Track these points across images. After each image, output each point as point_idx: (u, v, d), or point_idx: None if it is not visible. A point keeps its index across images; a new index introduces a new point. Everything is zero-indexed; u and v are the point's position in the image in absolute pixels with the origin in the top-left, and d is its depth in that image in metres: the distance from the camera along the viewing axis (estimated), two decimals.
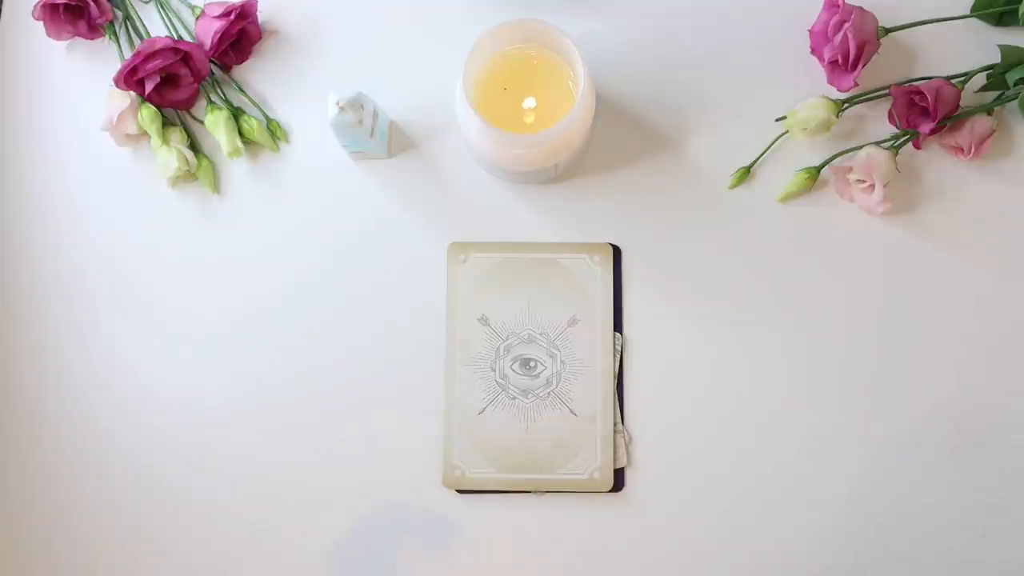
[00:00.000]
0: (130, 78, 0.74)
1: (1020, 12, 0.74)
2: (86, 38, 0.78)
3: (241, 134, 0.77)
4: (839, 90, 0.74)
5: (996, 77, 0.74)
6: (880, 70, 0.75)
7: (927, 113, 0.72)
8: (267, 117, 0.78)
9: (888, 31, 0.74)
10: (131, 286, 0.77)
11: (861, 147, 0.73)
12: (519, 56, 0.71)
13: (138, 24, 0.78)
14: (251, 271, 0.77)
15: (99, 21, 0.77)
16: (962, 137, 0.73)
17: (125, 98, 0.75)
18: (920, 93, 0.72)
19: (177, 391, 0.76)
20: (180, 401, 0.75)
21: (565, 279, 0.75)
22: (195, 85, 0.76)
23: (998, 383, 0.74)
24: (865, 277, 0.75)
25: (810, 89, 0.75)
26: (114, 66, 0.76)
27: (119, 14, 0.79)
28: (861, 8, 0.72)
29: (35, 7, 0.76)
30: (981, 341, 0.74)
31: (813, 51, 0.75)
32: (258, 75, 0.79)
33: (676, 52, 0.78)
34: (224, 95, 0.78)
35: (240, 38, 0.77)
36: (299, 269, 0.76)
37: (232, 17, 0.75)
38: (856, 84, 0.73)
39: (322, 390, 0.75)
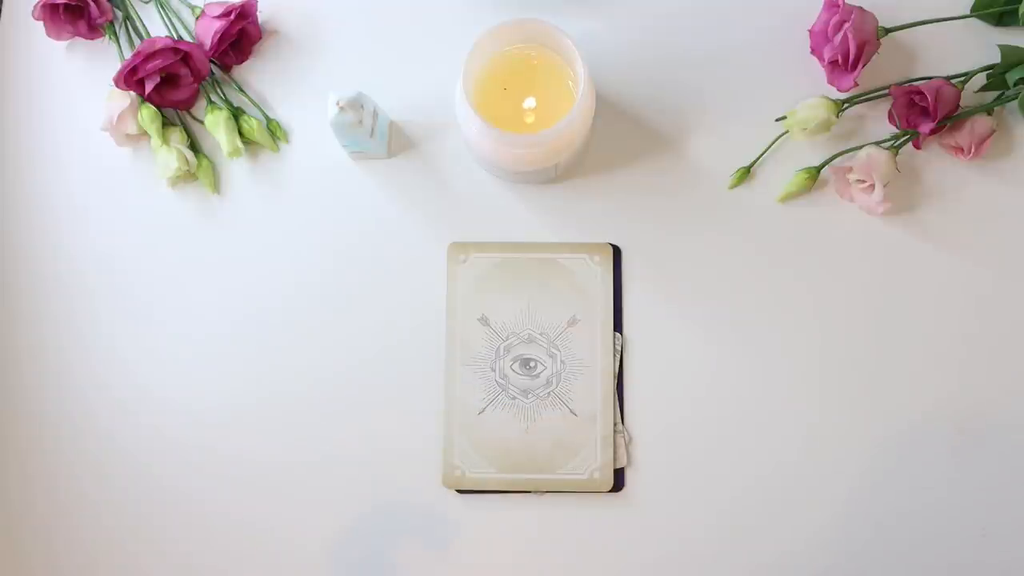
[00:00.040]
0: (130, 78, 0.74)
1: (1020, 12, 0.74)
2: (86, 38, 0.78)
3: (241, 134, 0.77)
4: (839, 90, 0.74)
5: (996, 77, 0.74)
6: (880, 70, 0.75)
7: (927, 113, 0.72)
8: (267, 117, 0.78)
9: (888, 31, 0.74)
10: (131, 286, 0.77)
11: (861, 147, 0.73)
12: (519, 56, 0.71)
13: (138, 24, 0.78)
14: (251, 271, 0.77)
15: (99, 21, 0.77)
16: (962, 137, 0.73)
17: (125, 98, 0.75)
18: (920, 93, 0.72)
19: (177, 391, 0.76)
20: (180, 401, 0.75)
21: (565, 279, 0.75)
22: (195, 85, 0.76)
23: (998, 383, 0.74)
24: (865, 277, 0.75)
25: (810, 89, 0.75)
26: (114, 66, 0.76)
27: (119, 14, 0.79)
28: (861, 8, 0.72)
29: (35, 7, 0.76)
30: (981, 341, 0.74)
31: (813, 51, 0.75)
32: (258, 75, 0.79)
33: (676, 52, 0.78)
34: (224, 95, 0.78)
35: (240, 38, 0.77)
36: (299, 269, 0.76)
37: (232, 17, 0.75)
38: (856, 84, 0.73)
39: (322, 390, 0.75)
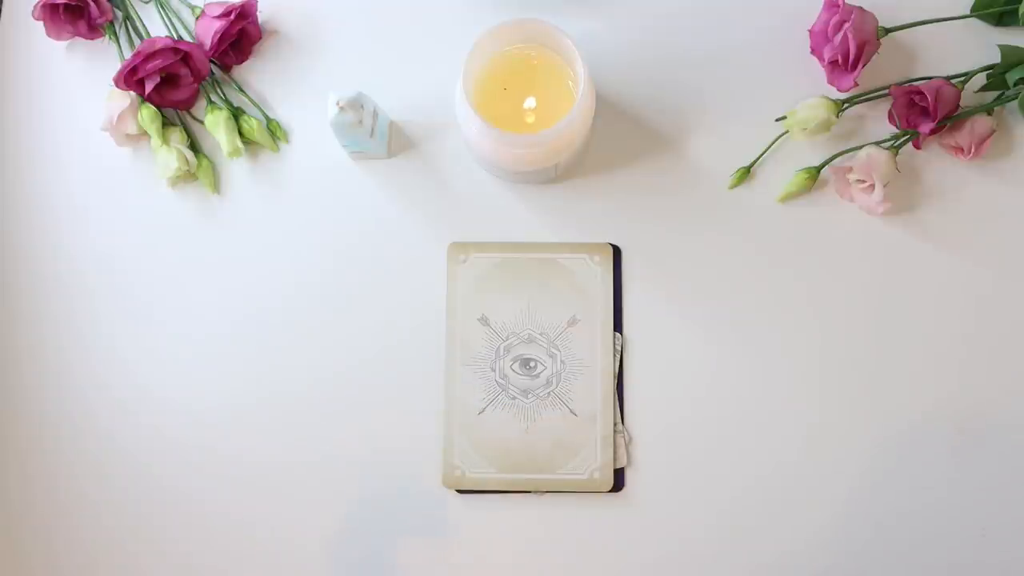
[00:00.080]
0: (130, 78, 0.74)
1: (1020, 12, 0.74)
2: (86, 38, 0.78)
3: (241, 134, 0.77)
4: (839, 90, 0.74)
5: (996, 77, 0.74)
6: (880, 70, 0.75)
7: (927, 113, 0.72)
8: (267, 117, 0.78)
9: (888, 31, 0.74)
10: (131, 286, 0.77)
11: (861, 147, 0.73)
12: (519, 56, 0.71)
13: (138, 24, 0.78)
14: (251, 271, 0.77)
15: (99, 21, 0.77)
16: (962, 137, 0.73)
17: (125, 98, 0.75)
18: (920, 93, 0.72)
19: (177, 391, 0.76)
20: (180, 401, 0.75)
21: (565, 279, 0.75)
22: (195, 85, 0.76)
23: (998, 383, 0.74)
24: (865, 277, 0.75)
25: (810, 89, 0.75)
26: (114, 66, 0.76)
27: (119, 14, 0.79)
28: (861, 8, 0.72)
29: (35, 7, 0.76)
30: (981, 341, 0.74)
31: (813, 51, 0.75)
32: (258, 75, 0.79)
33: (676, 52, 0.78)
34: (224, 95, 0.78)
35: (240, 38, 0.77)
36: (299, 269, 0.76)
37: (232, 17, 0.75)
38: (856, 84, 0.73)
39: (322, 390, 0.75)
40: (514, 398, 0.74)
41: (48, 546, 0.74)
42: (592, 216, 0.76)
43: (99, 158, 0.78)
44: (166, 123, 0.77)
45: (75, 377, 0.76)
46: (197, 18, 0.77)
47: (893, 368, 0.74)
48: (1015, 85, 0.73)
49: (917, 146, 0.75)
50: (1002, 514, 0.73)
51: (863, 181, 0.73)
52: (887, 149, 0.73)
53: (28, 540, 0.74)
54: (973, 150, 0.73)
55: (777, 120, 0.76)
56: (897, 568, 0.73)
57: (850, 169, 0.73)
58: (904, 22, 0.74)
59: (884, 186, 0.72)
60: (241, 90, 0.78)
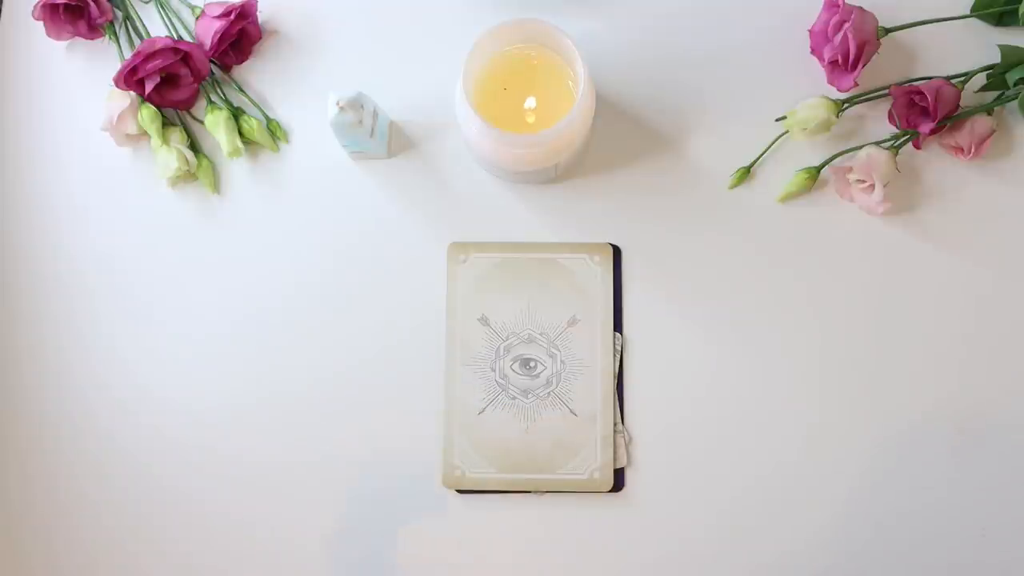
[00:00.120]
0: (130, 78, 0.74)
1: (1020, 12, 0.74)
2: (86, 38, 0.78)
3: (241, 134, 0.77)
4: (839, 90, 0.74)
5: (996, 77, 0.74)
6: (880, 70, 0.75)
7: (927, 113, 0.72)
8: (267, 117, 0.78)
9: (888, 31, 0.74)
10: (131, 286, 0.77)
11: (861, 147, 0.73)
12: (519, 56, 0.71)
13: (138, 24, 0.78)
14: (251, 271, 0.77)
15: (99, 21, 0.77)
16: (962, 137, 0.73)
17: (125, 98, 0.75)
18: (920, 93, 0.72)
19: (177, 391, 0.76)
20: (180, 401, 0.75)
21: (565, 279, 0.75)
22: (195, 85, 0.76)
23: (998, 383, 0.74)
24: (865, 277, 0.75)
25: (810, 89, 0.75)
26: (114, 66, 0.76)
27: (119, 14, 0.79)
28: (861, 8, 0.72)
29: (35, 7, 0.76)
30: (981, 341, 0.74)
31: (813, 51, 0.75)
32: (258, 75, 0.79)
33: (676, 52, 0.78)
34: (224, 95, 0.78)
35: (240, 38, 0.77)
36: (299, 269, 0.76)
37: (232, 17, 0.75)
38: (856, 84, 0.73)
39: (322, 390, 0.75)
40: (514, 398, 0.74)
41: (48, 546, 0.74)
42: (592, 216, 0.76)
43: (99, 158, 0.78)
44: (166, 123, 0.77)
45: (75, 377, 0.76)
46: (197, 18, 0.77)
47: (893, 368, 0.74)
48: (1015, 85, 0.73)
49: (917, 146, 0.75)
50: (1002, 514, 0.73)
51: (863, 181, 0.73)
52: (887, 149, 0.73)
53: (28, 540, 0.75)
54: (973, 150, 0.73)
55: (777, 120, 0.76)
56: (897, 568, 0.73)
57: (850, 169, 0.73)
58: (904, 22, 0.74)
59: (884, 186, 0.72)
60: (241, 90, 0.78)
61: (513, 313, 0.75)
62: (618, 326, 0.75)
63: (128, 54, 0.78)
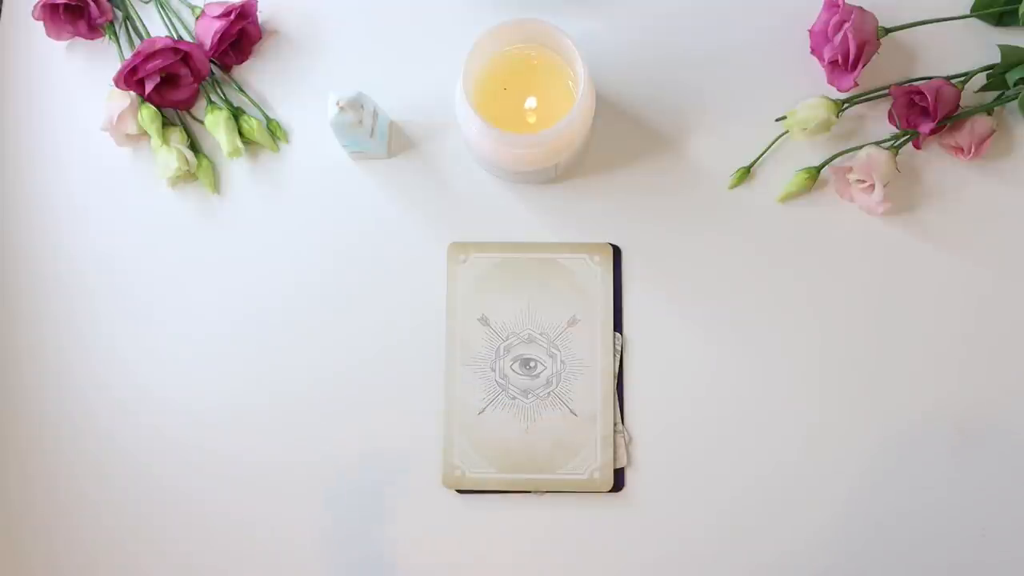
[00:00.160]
0: (130, 78, 0.74)
1: (1020, 12, 0.74)
2: (86, 38, 0.78)
3: (241, 134, 0.77)
4: (839, 90, 0.74)
5: (996, 77, 0.74)
6: (880, 70, 0.75)
7: (927, 113, 0.72)
8: (267, 117, 0.78)
9: (888, 31, 0.74)
10: (131, 286, 0.77)
11: (861, 147, 0.73)
12: (519, 56, 0.71)
13: (138, 24, 0.78)
14: (251, 271, 0.77)
15: (99, 21, 0.77)
16: (962, 137, 0.73)
17: (125, 98, 0.75)
18: (920, 93, 0.72)
19: (177, 391, 0.76)
20: (180, 401, 0.75)
21: (565, 279, 0.75)
22: (195, 85, 0.76)
23: (998, 383, 0.74)
24: (865, 277, 0.75)
25: (810, 89, 0.75)
26: (114, 66, 0.76)
27: (119, 14, 0.79)
28: (861, 8, 0.72)
29: (35, 7, 0.76)
30: (981, 341, 0.74)
31: (813, 51, 0.75)
32: (258, 75, 0.79)
33: (676, 52, 0.78)
34: (224, 95, 0.78)
35: (240, 38, 0.77)
36: (299, 269, 0.76)
37: (232, 17, 0.75)
38: (856, 84, 0.73)
39: (322, 390, 0.75)
40: (514, 398, 0.74)
41: (48, 546, 0.74)
42: (592, 216, 0.76)
43: (99, 158, 0.78)
44: (166, 123, 0.77)
45: (75, 377, 0.76)
46: (197, 18, 0.77)
47: (893, 368, 0.74)
48: (1015, 85, 0.73)
49: (917, 146, 0.75)
50: (1002, 514, 0.73)
51: (863, 181, 0.73)
52: (887, 149, 0.73)
53: (28, 540, 0.74)
54: (973, 150, 0.73)
55: (777, 120, 0.76)
56: (897, 568, 0.73)
57: (850, 169, 0.73)
58: (904, 22, 0.74)
59: (884, 186, 0.72)
60: (241, 90, 0.78)
61: (513, 313, 0.75)
62: (618, 326, 0.75)
63: (128, 54, 0.78)
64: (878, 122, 0.76)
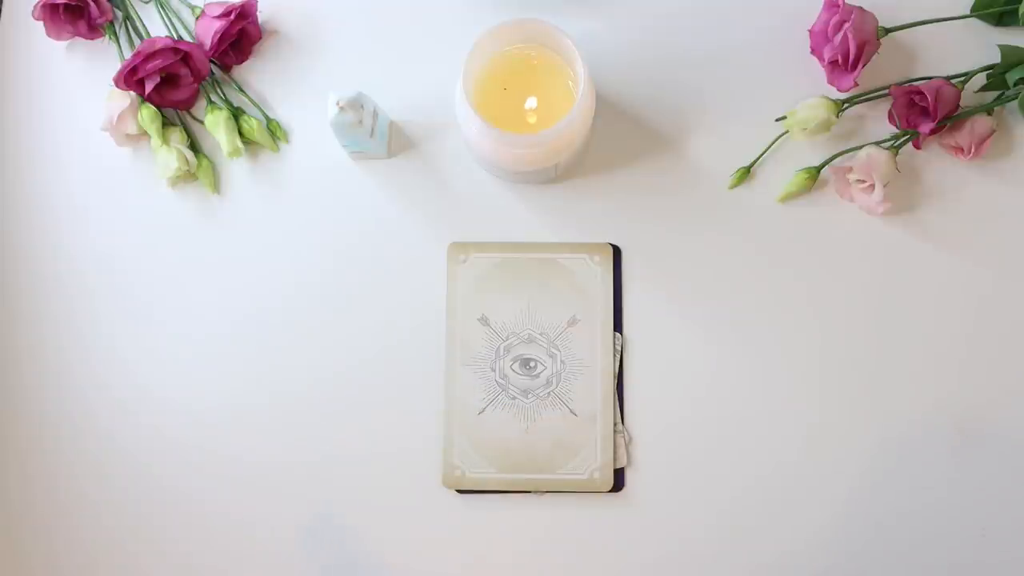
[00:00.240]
0: (130, 78, 0.74)
1: (1020, 12, 0.74)
2: (86, 38, 0.78)
3: (241, 134, 0.77)
4: (839, 90, 0.74)
5: (996, 77, 0.74)
6: (880, 70, 0.75)
7: (927, 113, 0.72)
8: (267, 117, 0.78)
9: (888, 31, 0.74)
10: (131, 286, 0.77)
11: (861, 147, 0.73)
12: (519, 56, 0.71)
13: (138, 24, 0.78)
14: (251, 271, 0.77)
15: (99, 21, 0.77)
16: (962, 137, 0.73)
17: (125, 98, 0.75)
18: (920, 93, 0.72)
19: (177, 391, 0.76)
20: (180, 401, 0.75)
21: (565, 279, 0.75)
22: (195, 85, 0.76)
23: (998, 383, 0.74)
24: (865, 277, 0.75)
25: (810, 89, 0.75)
26: (114, 66, 0.76)
27: (119, 14, 0.79)
28: (861, 8, 0.72)
29: (35, 7, 0.76)
30: (981, 341, 0.74)
31: (813, 51, 0.75)
32: (258, 75, 0.79)
33: (676, 52, 0.78)
34: (224, 95, 0.78)
35: (240, 38, 0.77)
36: (299, 269, 0.76)
37: (232, 17, 0.75)
38: (856, 84, 0.73)
39: (322, 390, 0.75)
40: (514, 398, 0.74)
41: (48, 546, 0.74)
42: (592, 216, 0.76)
43: (99, 158, 0.78)
44: (166, 123, 0.77)
45: (75, 377, 0.76)
46: (197, 18, 0.77)
47: (893, 368, 0.74)
48: (1015, 85, 0.73)
49: (917, 146, 0.75)
50: (1002, 514, 0.73)
51: (863, 181, 0.73)
52: (887, 149, 0.73)
53: (28, 540, 0.75)
54: (973, 150, 0.73)
55: (777, 120, 0.76)
56: (897, 568, 0.73)
57: (850, 169, 0.73)
58: (904, 22, 0.74)
59: (884, 186, 0.72)
60: (241, 90, 0.78)
61: (513, 313, 0.75)
62: (618, 326, 0.75)
63: (128, 54, 0.78)
64: (878, 122, 0.76)
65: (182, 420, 0.75)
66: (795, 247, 0.75)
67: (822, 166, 0.75)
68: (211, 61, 0.77)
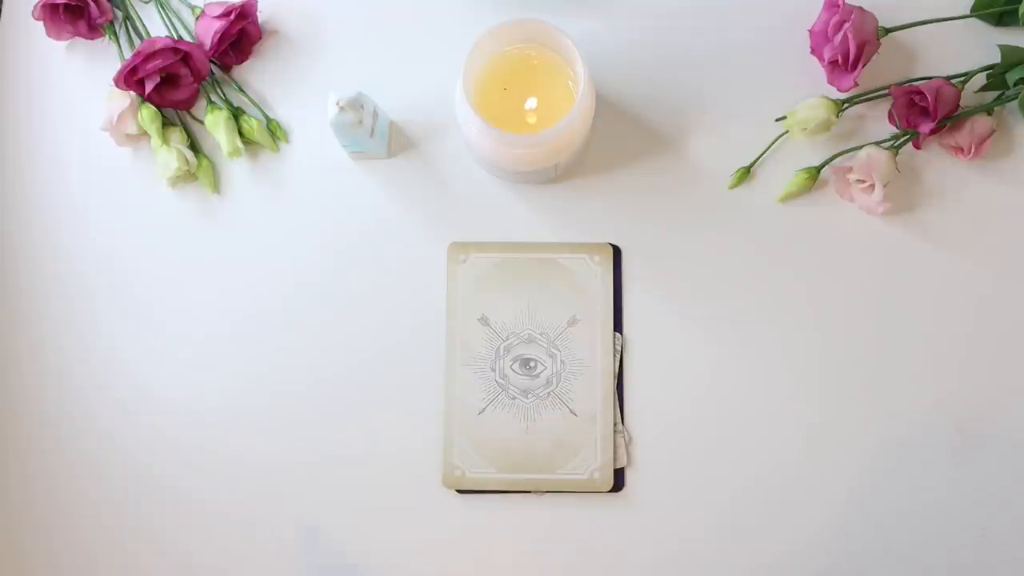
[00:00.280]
0: (130, 78, 0.74)
1: (1020, 12, 0.74)
2: (86, 38, 0.78)
3: (241, 134, 0.77)
4: (839, 90, 0.74)
5: (996, 77, 0.74)
6: (880, 70, 0.75)
7: (927, 113, 0.72)
8: (267, 117, 0.78)
9: (888, 31, 0.74)
10: (131, 286, 0.77)
11: (861, 147, 0.73)
12: (519, 56, 0.71)
13: (138, 24, 0.78)
14: (251, 271, 0.77)
15: (99, 21, 0.77)
16: (962, 137, 0.73)
17: (125, 98, 0.75)
18: (920, 93, 0.72)
19: (177, 391, 0.76)
20: (180, 401, 0.75)
21: (565, 279, 0.75)
22: (195, 85, 0.76)
23: (998, 383, 0.74)
24: (865, 277, 0.75)
25: (810, 89, 0.75)
26: (114, 66, 0.76)
27: (119, 14, 0.79)
28: (861, 8, 0.72)
29: (35, 7, 0.76)
30: (981, 341, 0.74)
31: (813, 51, 0.75)
32: (258, 75, 0.79)
33: (676, 52, 0.78)
34: (224, 95, 0.78)
35: (240, 38, 0.77)
36: (299, 269, 0.76)
37: (232, 17, 0.75)
38: (856, 84, 0.73)
39: (322, 390, 0.75)
40: (514, 398, 0.74)
41: (48, 546, 0.74)
42: (592, 216, 0.76)
43: (99, 158, 0.78)
44: (166, 123, 0.77)
45: (75, 377, 0.76)
46: (197, 18, 0.77)
47: (893, 368, 0.74)
48: (1015, 85, 0.73)
49: (917, 146, 0.75)
50: (1002, 514, 0.73)
51: (863, 181, 0.73)
52: (887, 149, 0.73)
53: (28, 540, 0.75)
54: (973, 150, 0.73)
55: (777, 120, 0.76)
56: (897, 568, 0.73)
57: (850, 169, 0.73)
58: (904, 22, 0.74)
59: (884, 186, 0.72)
60: (241, 90, 0.78)
61: (513, 313, 0.75)
62: (618, 326, 0.75)
63: (128, 54, 0.78)
64: (878, 122, 0.76)
65: (182, 420, 0.75)
66: (795, 247, 0.75)
67: (822, 166, 0.75)
68: (211, 61, 0.77)
